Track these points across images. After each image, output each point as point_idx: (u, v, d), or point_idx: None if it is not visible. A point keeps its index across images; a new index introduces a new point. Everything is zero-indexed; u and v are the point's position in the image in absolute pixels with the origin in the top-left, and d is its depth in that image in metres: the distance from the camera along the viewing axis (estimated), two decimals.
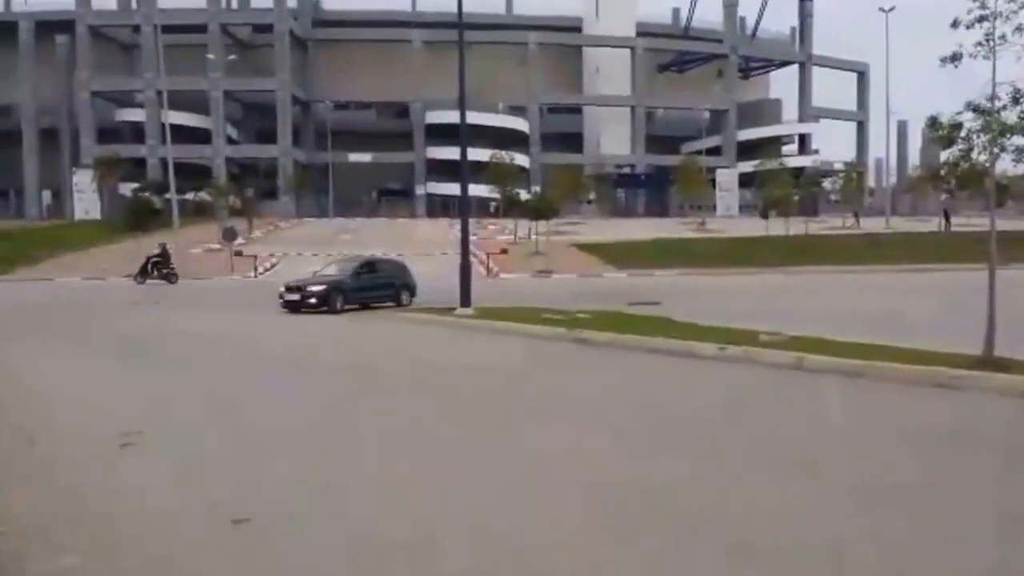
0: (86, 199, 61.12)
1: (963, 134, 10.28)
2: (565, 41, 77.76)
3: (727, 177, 70.93)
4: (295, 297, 21.02)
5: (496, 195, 50.57)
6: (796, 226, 49.48)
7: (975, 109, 10.08)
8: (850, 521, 4.87)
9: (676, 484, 5.60)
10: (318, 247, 43.38)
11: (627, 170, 76.57)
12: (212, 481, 5.95)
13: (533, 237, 44.39)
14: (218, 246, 41.86)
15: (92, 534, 4.86)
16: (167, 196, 46.46)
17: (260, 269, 38.19)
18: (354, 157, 70.97)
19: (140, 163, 64.39)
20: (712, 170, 68.86)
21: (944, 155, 11.46)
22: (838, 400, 8.69)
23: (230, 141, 70.04)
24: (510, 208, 49.85)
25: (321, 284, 21.51)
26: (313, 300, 20.89)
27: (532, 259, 40.87)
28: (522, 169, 61.99)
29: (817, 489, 5.49)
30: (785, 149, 75.01)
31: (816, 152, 78.67)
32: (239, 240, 43.14)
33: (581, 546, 4.51)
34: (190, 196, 56.08)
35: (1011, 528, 4.69)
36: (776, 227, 48.61)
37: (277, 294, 21.60)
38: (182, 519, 5.10)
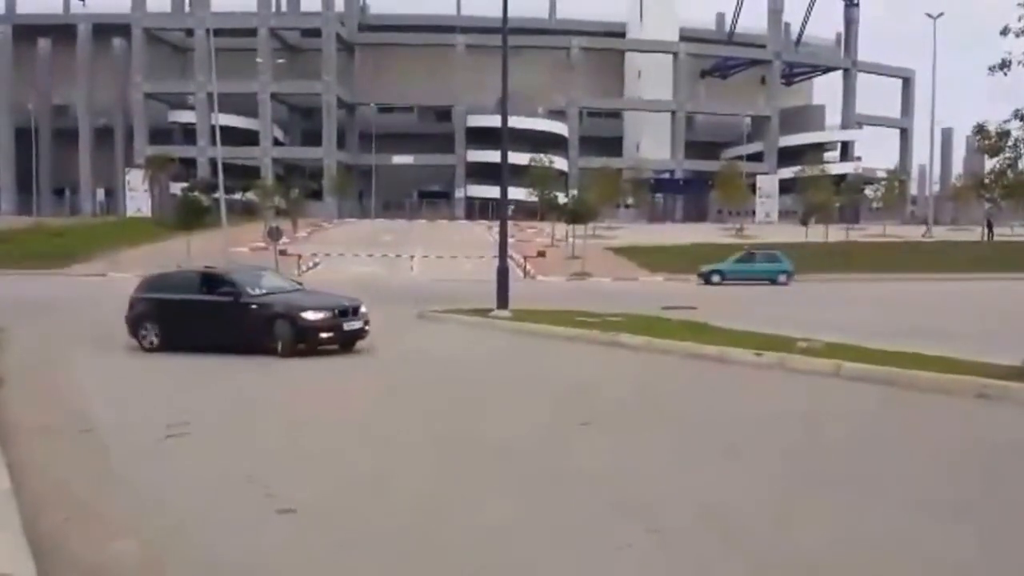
0: (137, 197, 62.87)
1: (1010, 142, 10.18)
2: (608, 46, 78.13)
3: (767, 183, 70.74)
4: (356, 325, 13.44)
5: (532, 198, 51.23)
6: (836, 233, 49.42)
7: (1023, 118, 10.00)
8: (916, 535, 4.86)
9: (762, 503, 5.47)
10: (360, 247, 44.37)
11: (666, 175, 76.67)
12: None
13: (570, 240, 44.86)
14: (263, 245, 42.96)
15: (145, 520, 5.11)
16: (216, 196, 47.68)
17: (303, 268, 39.26)
18: (396, 159, 72.06)
19: (190, 163, 66.12)
20: (752, 176, 68.73)
21: (990, 164, 11.33)
22: (879, 409, 8.65)
23: (277, 143, 71.57)
24: (548, 211, 50.43)
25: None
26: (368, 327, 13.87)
27: (569, 262, 41.38)
28: (561, 173, 62.53)
29: (878, 502, 5.45)
30: (827, 156, 74.57)
31: (858, 159, 78.07)
32: (284, 239, 44.20)
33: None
34: (238, 196, 57.56)
35: None
36: (816, 234, 48.57)
37: (291, 327, 12.89)
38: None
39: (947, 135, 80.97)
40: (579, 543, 4.76)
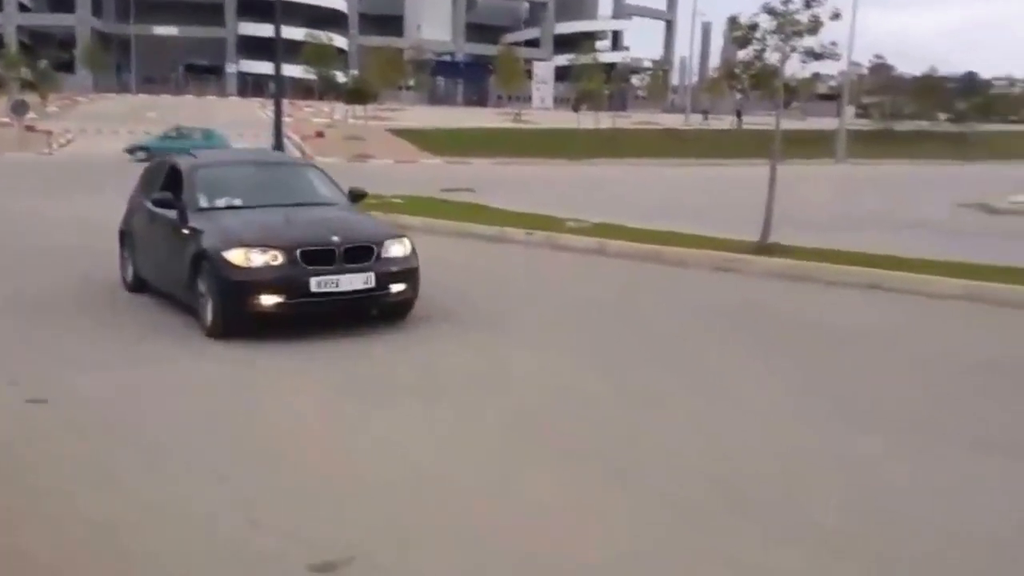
0: None
1: (759, 35, 11.01)
2: None
3: (543, 70, 72.35)
4: (354, 284, 6.52)
5: (310, 76, 49.60)
6: (605, 120, 51.76)
7: (771, 11, 10.80)
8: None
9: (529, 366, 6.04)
10: (119, 124, 41.40)
11: (447, 58, 76.39)
12: None
13: (350, 121, 44.19)
14: (7, 120, 39.17)
15: None
16: None
17: (55, 146, 36.30)
18: (159, 30, 66.85)
19: None
20: (530, 62, 69.99)
21: (740, 55, 12.03)
22: (631, 280, 9.72)
23: (22, 8, 64.48)
24: (326, 91, 49.18)
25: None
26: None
27: (348, 143, 40.74)
28: (340, 51, 60.70)
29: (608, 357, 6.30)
30: (599, 45, 77.03)
31: (627, 49, 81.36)
32: (31, 115, 40.47)
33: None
34: None
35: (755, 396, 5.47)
36: (587, 121, 50.62)
37: (214, 277, 6.45)
38: None
39: (707, 28, 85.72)
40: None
